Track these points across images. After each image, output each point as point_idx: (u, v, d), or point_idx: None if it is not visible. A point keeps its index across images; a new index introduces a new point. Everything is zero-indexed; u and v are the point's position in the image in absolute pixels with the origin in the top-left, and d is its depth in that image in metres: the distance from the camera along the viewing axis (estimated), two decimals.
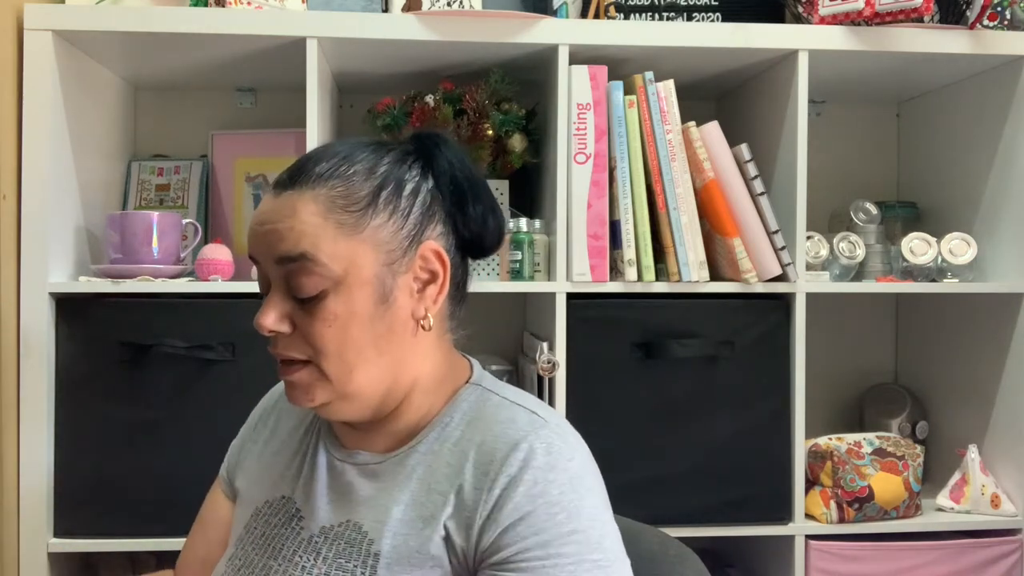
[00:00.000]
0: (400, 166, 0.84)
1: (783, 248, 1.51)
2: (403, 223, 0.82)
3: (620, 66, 1.52)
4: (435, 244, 0.83)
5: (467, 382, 0.88)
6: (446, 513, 0.78)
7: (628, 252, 1.47)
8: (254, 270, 1.48)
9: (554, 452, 0.78)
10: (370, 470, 0.85)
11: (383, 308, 0.81)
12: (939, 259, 1.61)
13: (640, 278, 1.47)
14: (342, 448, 0.88)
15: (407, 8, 1.49)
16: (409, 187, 0.83)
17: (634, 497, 1.44)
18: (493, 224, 0.87)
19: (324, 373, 0.80)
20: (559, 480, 0.77)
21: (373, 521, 0.81)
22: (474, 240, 0.87)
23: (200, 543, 0.99)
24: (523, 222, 1.52)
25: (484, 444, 0.80)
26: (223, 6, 1.45)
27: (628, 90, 1.48)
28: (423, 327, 0.83)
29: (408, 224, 0.82)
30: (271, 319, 0.80)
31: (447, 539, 0.78)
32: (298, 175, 0.83)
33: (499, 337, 1.78)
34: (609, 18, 1.54)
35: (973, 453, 1.61)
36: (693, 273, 1.47)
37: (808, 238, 1.56)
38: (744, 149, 1.51)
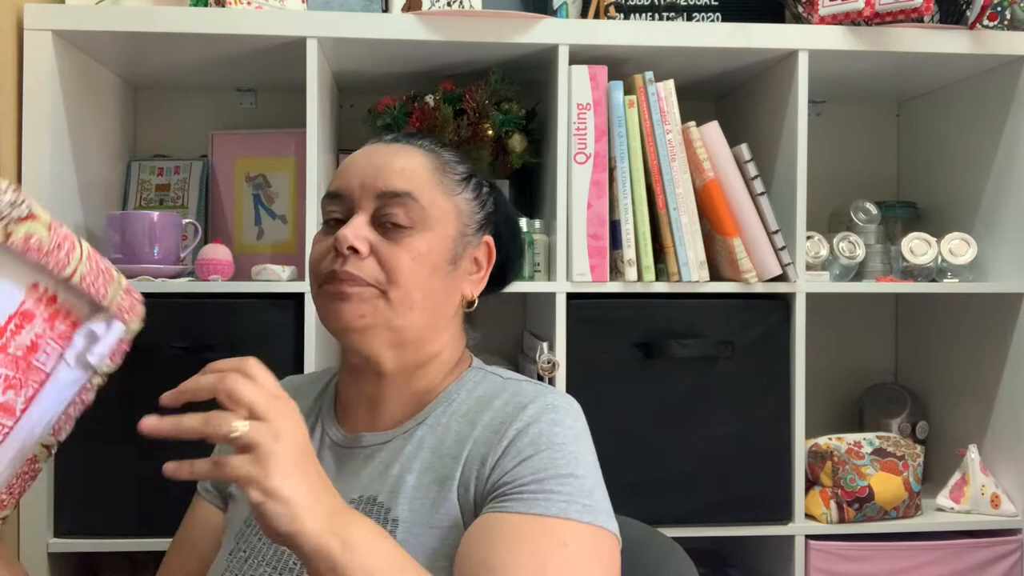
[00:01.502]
0: (477, 174, 0.96)
1: (783, 248, 1.51)
2: (480, 209, 0.93)
3: (620, 66, 1.52)
4: (491, 240, 0.94)
5: (469, 366, 0.95)
6: (457, 476, 0.82)
7: (628, 252, 1.47)
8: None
9: (560, 411, 0.84)
10: (377, 448, 0.87)
11: (450, 269, 0.89)
12: (939, 259, 1.61)
13: (640, 278, 1.47)
14: (346, 435, 0.91)
15: (407, 8, 1.49)
16: (485, 189, 0.96)
17: (634, 497, 1.44)
18: (519, 263, 1.02)
19: (385, 297, 0.84)
20: (563, 433, 0.82)
21: (388, 492, 0.83)
22: (504, 264, 0.98)
23: (192, 560, 0.98)
24: (523, 222, 1.52)
25: (494, 410, 0.85)
26: (223, 6, 1.45)
27: (628, 90, 1.48)
28: (465, 307, 0.93)
29: (482, 213, 0.94)
30: (355, 233, 0.84)
31: (460, 500, 0.81)
32: (407, 136, 0.94)
33: (499, 337, 1.78)
34: (609, 18, 1.54)
35: (973, 453, 1.61)
36: (693, 273, 1.47)
37: (808, 238, 1.56)
38: (744, 149, 1.51)
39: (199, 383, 0.67)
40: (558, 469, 0.79)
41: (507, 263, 0.98)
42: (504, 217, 0.98)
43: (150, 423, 0.64)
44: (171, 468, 0.65)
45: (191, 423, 0.65)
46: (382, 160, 0.88)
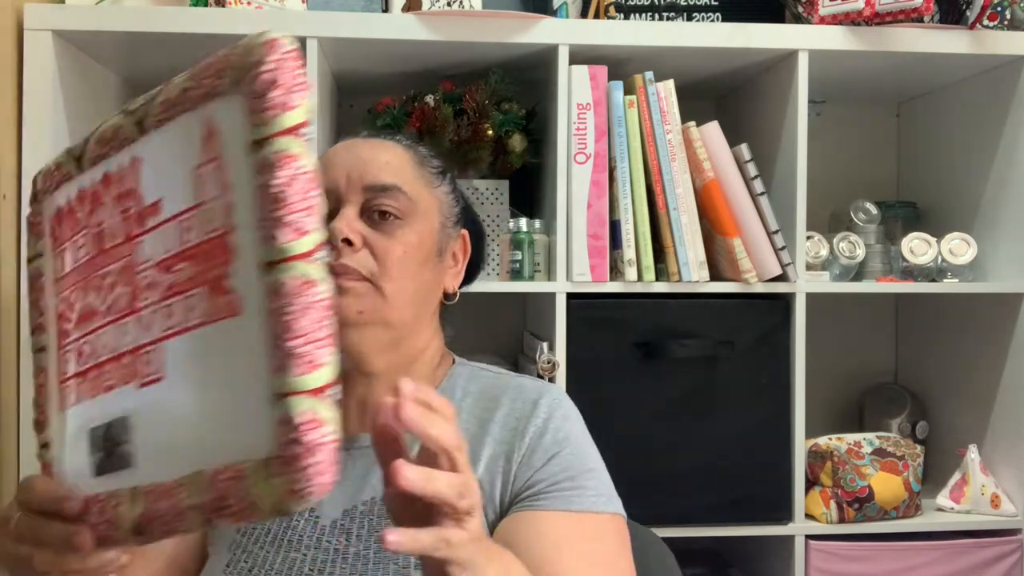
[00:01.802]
0: (448, 170, 0.98)
1: (783, 248, 1.51)
2: (456, 204, 0.96)
3: (620, 66, 1.52)
4: (467, 234, 0.97)
5: (452, 363, 0.97)
6: (479, 471, 0.84)
7: (628, 252, 1.47)
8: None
9: (565, 405, 0.91)
10: None
11: (436, 261, 0.91)
12: (939, 259, 1.61)
13: (640, 278, 1.47)
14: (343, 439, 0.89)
15: (407, 8, 1.49)
16: (457, 188, 0.98)
17: (634, 497, 1.43)
18: (483, 261, 1.05)
19: (380, 292, 0.85)
20: (575, 429, 0.89)
21: None
22: (473, 261, 1.00)
23: (166, 567, 0.91)
24: (523, 222, 1.52)
25: (505, 407, 0.88)
26: (223, 6, 1.45)
27: (628, 90, 1.48)
28: (446, 300, 0.95)
29: (458, 208, 0.96)
30: (347, 225, 0.85)
31: (483, 495, 0.83)
32: (384, 133, 0.97)
33: (499, 337, 1.78)
34: (609, 18, 1.54)
35: (973, 453, 1.61)
36: (693, 273, 1.47)
37: (808, 238, 1.56)
38: (744, 149, 1.51)
39: (436, 482, 0.60)
40: (582, 464, 0.86)
41: (475, 259, 1.01)
42: (471, 222, 1.01)
43: (394, 538, 0.58)
44: (393, 540, 0.58)
45: (428, 539, 0.60)
46: (367, 154, 0.89)
